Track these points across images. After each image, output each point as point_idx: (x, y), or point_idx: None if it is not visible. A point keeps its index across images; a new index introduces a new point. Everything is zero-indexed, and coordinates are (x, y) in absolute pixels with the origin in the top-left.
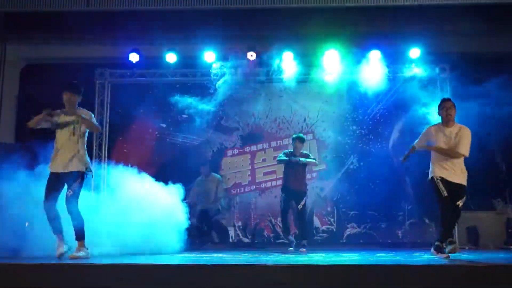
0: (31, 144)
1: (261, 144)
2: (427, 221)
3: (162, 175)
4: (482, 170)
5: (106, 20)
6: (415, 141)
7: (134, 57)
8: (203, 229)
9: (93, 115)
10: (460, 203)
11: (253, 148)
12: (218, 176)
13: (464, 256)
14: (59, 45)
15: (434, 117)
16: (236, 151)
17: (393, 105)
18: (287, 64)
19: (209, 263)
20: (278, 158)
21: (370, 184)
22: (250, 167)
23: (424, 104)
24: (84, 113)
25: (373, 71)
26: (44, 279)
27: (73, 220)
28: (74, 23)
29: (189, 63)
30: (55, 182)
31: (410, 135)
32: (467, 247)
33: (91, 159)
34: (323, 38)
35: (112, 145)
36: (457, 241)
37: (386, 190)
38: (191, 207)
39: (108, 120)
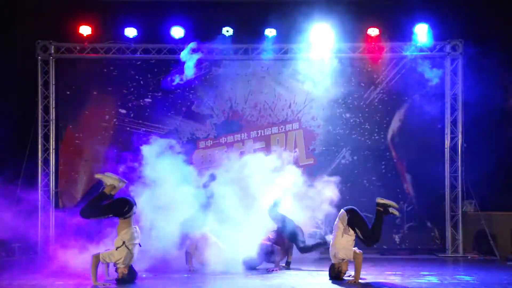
0: None
1: (239, 135)
2: (429, 224)
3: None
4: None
5: None
6: None
7: (85, 30)
8: None
9: None
10: None
11: (230, 139)
12: None
13: None
14: None
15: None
16: (209, 142)
17: (394, 89)
18: (270, 39)
19: None
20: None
21: (364, 182)
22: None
23: (430, 89)
24: None
25: (371, 48)
26: None
27: None
28: None
29: (153, 38)
30: None
31: (413, 125)
32: (469, 256)
33: (36, 152)
34: (312, 9)
35: (61, 135)
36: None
37: (383, 189)
38: None
39: (54, 105)
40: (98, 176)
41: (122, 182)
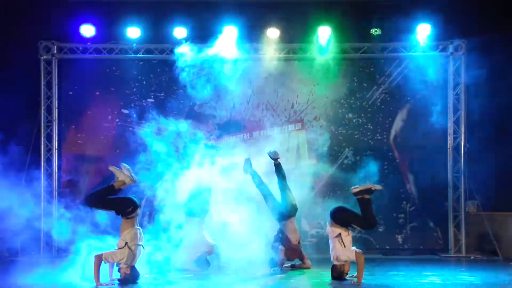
0: None
1: (242, 135)
2: (431, 225)
3: None
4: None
5: None
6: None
7: (88, 30)
8: None
9: None
10: None
11: (232, 139)
12: None
13: None
14: None
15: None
16: (212, 143)
17: (397, 89)
18: (272, 39)
19: None
20: None
21: (367, 182)
22: None
23: (433, 89)
24: None
25: (372, 48)
26: None
27: None
28: None
29: (155, 38)
30: None
31: (416, 126)
32: (472, 256)
33: (39, 152)
34: (315, 10)
35: (64, 136)
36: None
37: (385, 189)
38: None
39: (57, 105)
40: (111, 168)
41: (133, 181)
